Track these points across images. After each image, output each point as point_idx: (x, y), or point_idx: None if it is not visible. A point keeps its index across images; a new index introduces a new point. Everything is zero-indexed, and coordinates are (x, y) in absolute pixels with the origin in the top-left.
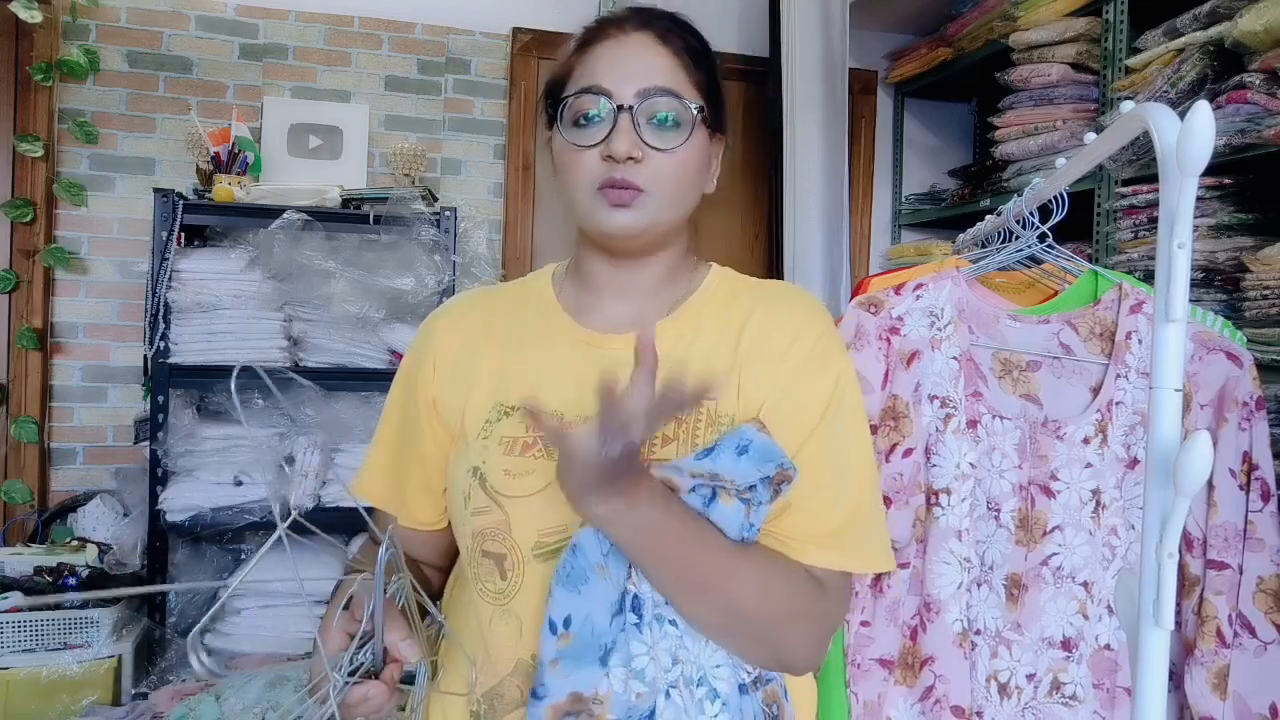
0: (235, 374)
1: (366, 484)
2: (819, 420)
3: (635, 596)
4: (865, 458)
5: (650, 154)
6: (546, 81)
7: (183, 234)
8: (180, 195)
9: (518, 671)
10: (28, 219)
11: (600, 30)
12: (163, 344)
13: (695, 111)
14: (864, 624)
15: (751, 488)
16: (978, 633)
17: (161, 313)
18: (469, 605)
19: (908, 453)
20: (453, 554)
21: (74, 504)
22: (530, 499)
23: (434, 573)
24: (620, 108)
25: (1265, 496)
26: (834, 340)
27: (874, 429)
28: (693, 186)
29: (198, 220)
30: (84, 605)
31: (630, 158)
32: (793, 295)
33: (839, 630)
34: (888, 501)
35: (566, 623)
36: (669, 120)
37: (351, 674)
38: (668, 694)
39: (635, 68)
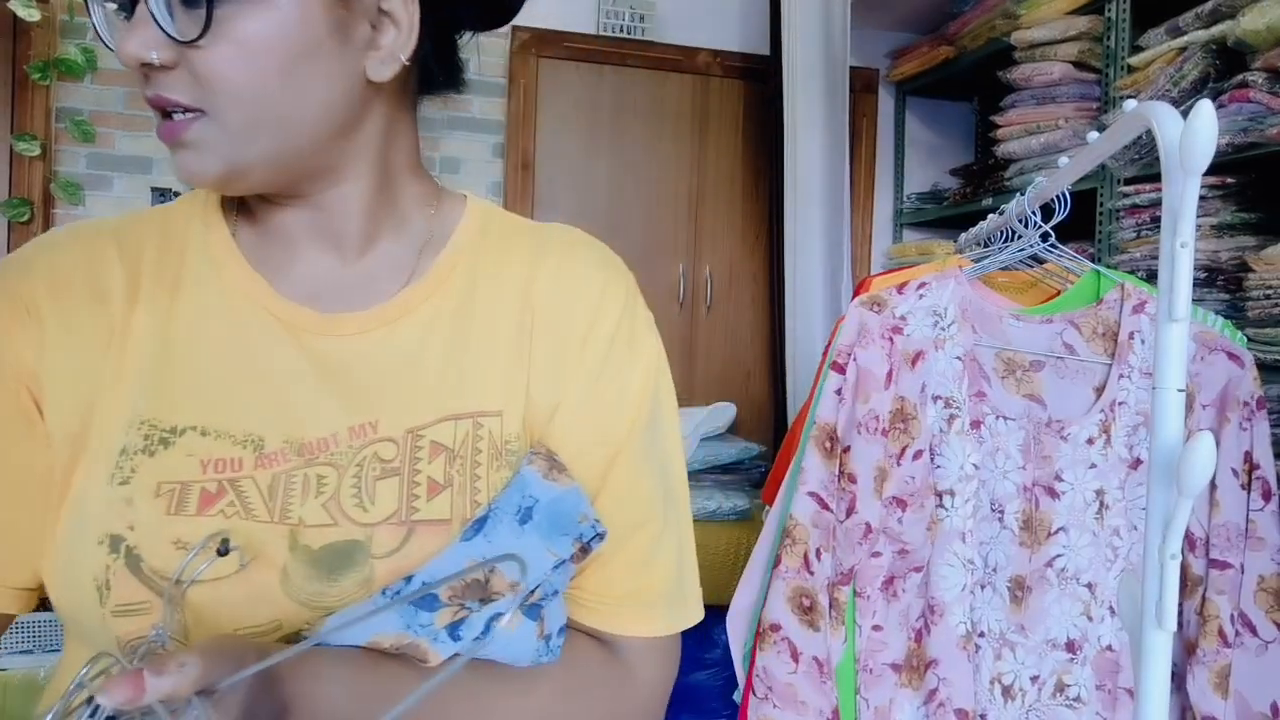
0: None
1: None
2: (633, 426)
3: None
4: (684, 470)
5: (187, 52)
6: None
7: None
8: (178, 194)
9: None
10: (25, 218)
11: None
12: None
13: None
14: (876, 629)
15: (549, 574)
16: (981, 635)
17: None
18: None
19: (918, 455)
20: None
21: None
22: (221, 584)
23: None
24: None
25: (1266, 496)
26: (641, 307)
27: (885, 431)
28: (298, 80)
29: None
30: None
31: (148, 63)
32: (585, 244)
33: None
34: (903, 505)
35: None
36: None
37: None
38: None
39: None
